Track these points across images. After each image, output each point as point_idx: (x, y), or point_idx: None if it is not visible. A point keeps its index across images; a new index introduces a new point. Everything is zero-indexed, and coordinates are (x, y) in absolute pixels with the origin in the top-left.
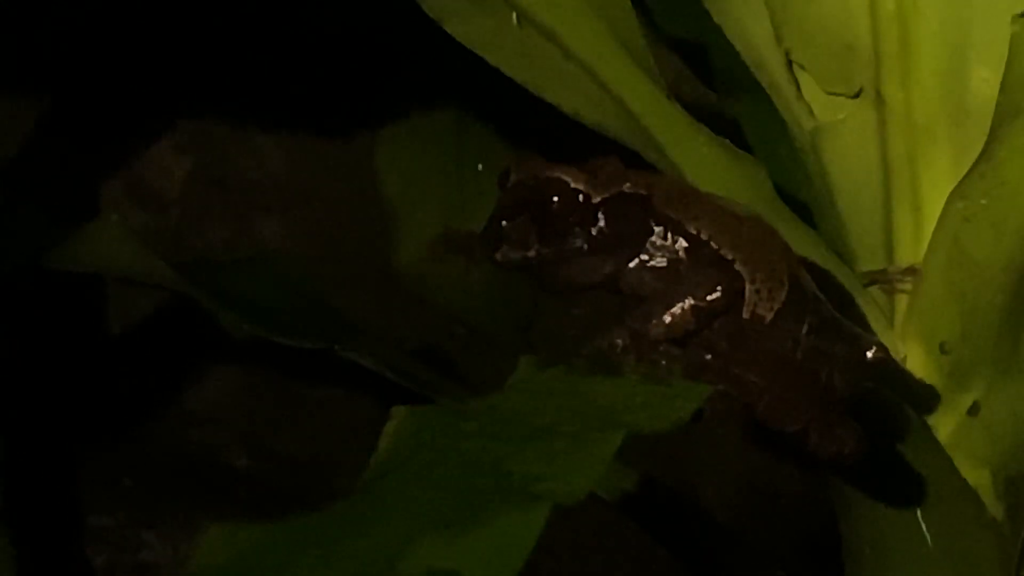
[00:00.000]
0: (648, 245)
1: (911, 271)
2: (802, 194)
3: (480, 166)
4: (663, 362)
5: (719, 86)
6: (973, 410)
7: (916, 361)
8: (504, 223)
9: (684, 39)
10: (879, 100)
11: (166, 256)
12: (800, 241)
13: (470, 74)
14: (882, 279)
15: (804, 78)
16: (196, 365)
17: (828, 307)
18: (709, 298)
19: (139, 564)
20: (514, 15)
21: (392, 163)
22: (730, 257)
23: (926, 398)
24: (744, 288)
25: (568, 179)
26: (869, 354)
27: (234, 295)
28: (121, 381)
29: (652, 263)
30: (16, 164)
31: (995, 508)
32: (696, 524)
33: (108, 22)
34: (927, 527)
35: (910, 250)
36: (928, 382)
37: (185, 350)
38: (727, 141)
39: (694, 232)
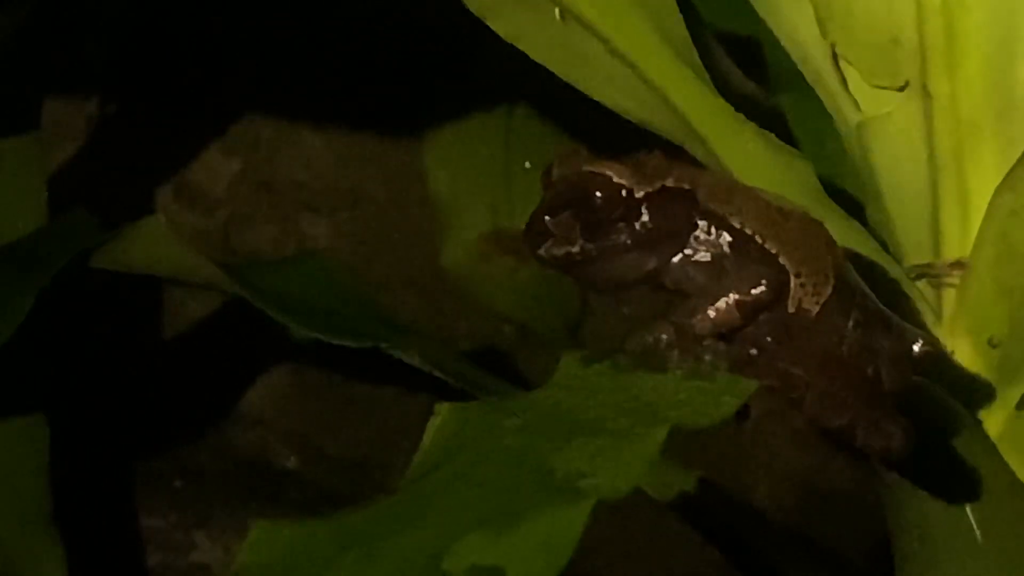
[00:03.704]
0: (692, 240)
1: (958, 265)
2: (849, 188)
3: (528, 164)
4: (708, 357)
5: (766, 80)
6: (1022, 404)
7: (964, 355)
8: (547, 219)
9: (730, 33)
10: (925, 93)
11: (213, 256)
12: (846, 235)
13: (517, 72)
14: (929, 273)
15: (850, 72)
16: (245, 366)
17: (874, 301)
18: (754, 293)
19: (190, 565)
20: (557, 11)
21: (439, 162)
22: (775, 251)
23: (980, 392)
24: (789, 283)
25: (611, 174)
26: (916, 348)
27: (281, 295)
28: (171, 383)
29: (696, 258)
30: (66, 167)
31: None
32: (749, 524)
33: (157, 24)
34: (976, 522)
35: (957, 244)
36: (978, 376)
37: (234, 351)
38: (772, 135)
39: (738, 226)
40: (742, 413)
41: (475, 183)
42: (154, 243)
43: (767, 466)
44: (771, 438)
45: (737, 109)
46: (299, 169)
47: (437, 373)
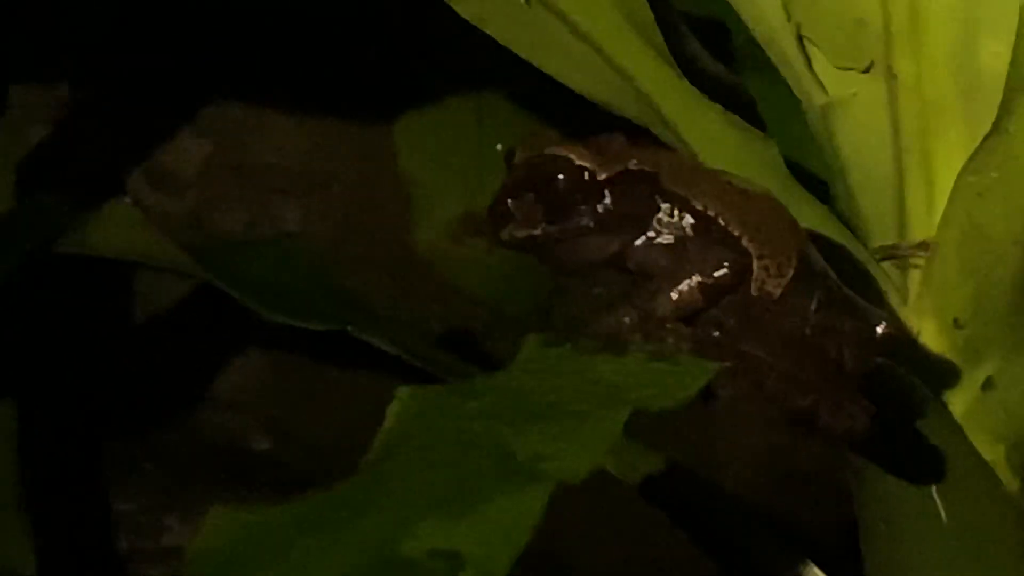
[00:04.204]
0: (655, 222)
1: (924, 246)
2: (816, 170)
3: (499, 146)
4: (670, 340)
5: (735, 63)
6: (987, 385)
7: (930, 336)
8: (510, 201)
9: (699, 16)
10: (890, 74)
11: (185, 239)
12: (812, 217)
13: (488, 55)
14: (895, 254)
15: (815, 53)
16: (218, 349)
17: (837, 283)
18: (716, 275)
19: (161, 549)
20: None
21: (411, 145)
22: (737, 233)
23: (945, 373)
24: (752, 265)
25: (573, 157)
26: (879, 330)
27: (249, 279)
28: (143, 365)
29: (659, 240)
30: (36, 151)
31: (1011, 483)
32: (718, 505)
33: (128, 7)
34: (942, 503)
35: (923, 225)
36: (942, 357)
37: (206, 334)
38: (738, 117)
39: (701, 209)
40: (707, 395)
41: (447, 165)
42: (122, 227)
43: (739, 447)
44: (744, 419)
45: (705, 91)
46: (270, 152)
47: (405, 356)
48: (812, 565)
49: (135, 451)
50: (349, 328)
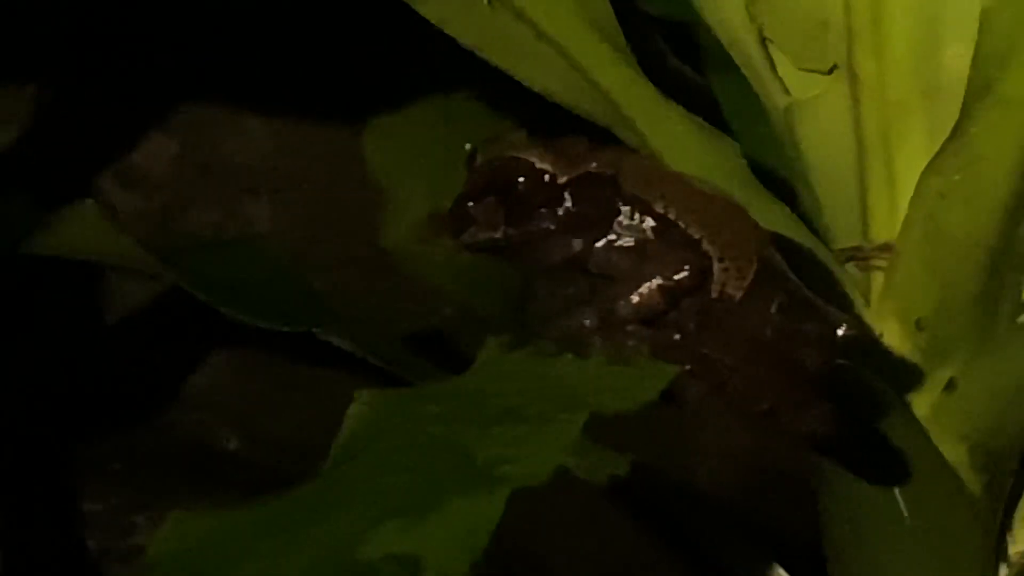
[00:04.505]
0: (615, 225)
1: (886, 248)
2: (780, 172)
3: (468, 146)
4: (631, 342)
5: (701, 65)
6: (950, 386)
7: (892, 338)
8: (470, 204)
9: (667, 17)
10: (853, 76)
11: (154, 239)
12: (774, 219)
13: (456, 55)
14: (858, 256)
15: (778, 55)
16: (186, 348)
17: (799, 285)
18: (677, 277)
19: (130, 549)
20: None
21: (380, 145)
22: (698, 236)
23: (908, 375)
24: (712, 267)
25: (534, 159)
26: (840, 332)
27: (214, 280)
28: (112, 366)
29: (620, 243)
30: (4, 152)
31: (973, 484)
32: (687, 507)
33: (96, 6)
34: (905, 503)
35: (885, 227)
36: (905, 359)
37: (175, 333)
38: (700, 119)
39: (661, 211)
40: (668, 397)
41: (415, 165)
42: (87, 228)
43: (709, 447)
44: (714, 419)
45: (670, 93)
46: (239, 151)
47: (370, 358)
48: (777, 567)
49: (104, 451)
50: (316, 330)
